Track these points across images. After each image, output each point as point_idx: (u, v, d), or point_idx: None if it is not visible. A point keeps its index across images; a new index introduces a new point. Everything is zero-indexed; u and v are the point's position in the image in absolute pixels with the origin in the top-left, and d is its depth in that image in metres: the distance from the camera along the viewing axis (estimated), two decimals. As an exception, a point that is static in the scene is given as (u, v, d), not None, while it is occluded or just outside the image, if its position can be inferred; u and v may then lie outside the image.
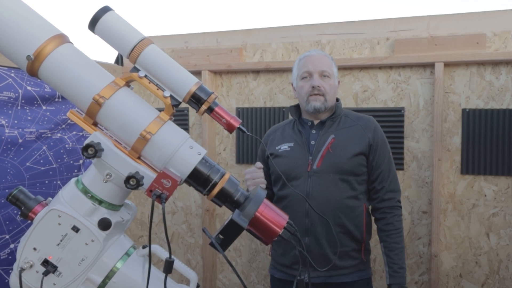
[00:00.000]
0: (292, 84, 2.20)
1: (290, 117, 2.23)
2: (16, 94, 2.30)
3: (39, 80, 2.25)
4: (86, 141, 1.07)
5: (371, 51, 2.76)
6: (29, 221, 1.13)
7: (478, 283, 2.62)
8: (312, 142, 2.07)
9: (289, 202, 2.04)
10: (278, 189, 2.13)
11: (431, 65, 2.62)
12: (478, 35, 2.53)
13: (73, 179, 1.17)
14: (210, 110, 1.16)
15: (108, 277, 1.14)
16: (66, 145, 2.58)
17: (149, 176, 1.08)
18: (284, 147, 2.11)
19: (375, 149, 2.04)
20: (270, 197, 2.19)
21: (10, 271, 1.14)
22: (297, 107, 2.19)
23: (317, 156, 2.02)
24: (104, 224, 1.10)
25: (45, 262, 1.09)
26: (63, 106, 2.56)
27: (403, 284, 1.99)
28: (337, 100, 2.16)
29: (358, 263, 2.04)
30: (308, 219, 1.99)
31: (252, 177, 1.91)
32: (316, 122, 2.10)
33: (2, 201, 2.21)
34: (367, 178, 2.06)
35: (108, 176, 1.10)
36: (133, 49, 1.12)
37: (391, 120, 2.70)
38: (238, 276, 1.13)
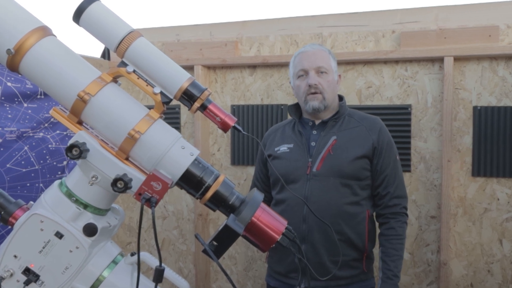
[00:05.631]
0: (290, 83, 2.21)
1: (289, 116, 2.23)
2: (-5, 91, 2.30)
3: (20, 75, 2.24)
4: (71, 141, 1.07)
5: (375, 44, 2.76)
6: (9, 227, 1.13)
7: (490, 292, 2.63)
8: (313, 144, 2.07)
9: (287, 206, 2.05)
10: (277, 192, 2.14)
11: (440, 60, 2.63)
12: (490, 27, 2.54)
13: (57, 182, 1.17)
14: (203, 107, 1.17)
15: (94, 286, 1.14)
16: (49, 145, 2.58)
17: (138, 178, 1.08)
18: (283, 148, 2.12)
19: (379, 152, 2.04)
20: (269, 201, 2.20)
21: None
22: (296, 106, 2.19)
23: (317, 159, 2.03)
24: (90, 230, 1.10)
25: (27, 271, 1.09)
26: (46, 104, 2.56)
27: None
28: (342, 99, 2.17)
29: (359, 273, 2.04)
30: (305, 225, 2.00)
31: None
32: (317, 122, 2.11)
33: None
34: (371, 183, 2.07)
35: (94, 179, 1.10)
36: (120, 42, 1.13)
37: (397, 119, 2.71)
38: (233, 285, 1.13)
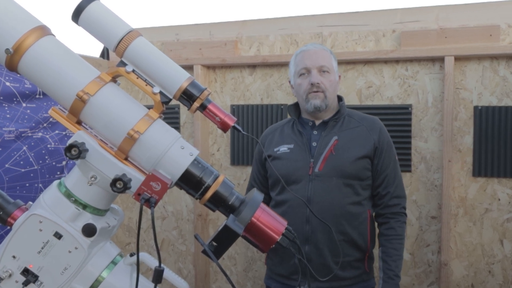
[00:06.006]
0: (289, 82, 2.21)
1: (289, 116, 2.23)
2: (-6, 90, 2.30)
3: (18, 75, 2.25)
4: (69, 141, 1.07)
5: (376, 44, 2.76)
6: (8, 227, 1.13)
7: (491, 293, 2.63)
8: (314, 144, 2.07)
9: (289, 208, 2.04)
10: (277, 193, 2.13)
11: (440, 59, 2.63)
12: (491, 26, 2.54)
13: (55, 182, 1.17)
14: (202, 107, 1.17)
15: (93, 287, 1.14)
16: (48, 145, 2.58)
17: (137, 178, 1.08)
18: (283, 148, 2.11)
19: (380, 152, 2.05)
20: (267, 202, 2.19)
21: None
22: (296, 106, 2.19)
23: (319, 159, 2.03)
24: (89, 230, 1.10)
25: (25, 271, 1.09)
26: (45, 103, 2.56)
27: None
28: (341, 99, 2.17)
29: (361, 273, 2.05)
30: (309, 225, 2.00)
31: None
32: (317, 122, 2.11)
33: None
34: (371, 182, 2.07)
35: (93, 179, 1.10)
36: (119, 42, 1.13)
37: (398, 118, 2.71)
38: (233, 286, 1.13)
